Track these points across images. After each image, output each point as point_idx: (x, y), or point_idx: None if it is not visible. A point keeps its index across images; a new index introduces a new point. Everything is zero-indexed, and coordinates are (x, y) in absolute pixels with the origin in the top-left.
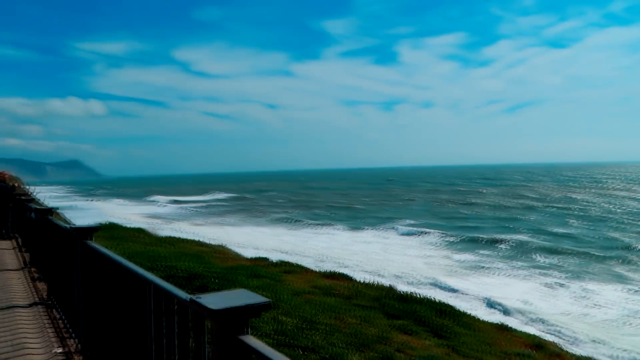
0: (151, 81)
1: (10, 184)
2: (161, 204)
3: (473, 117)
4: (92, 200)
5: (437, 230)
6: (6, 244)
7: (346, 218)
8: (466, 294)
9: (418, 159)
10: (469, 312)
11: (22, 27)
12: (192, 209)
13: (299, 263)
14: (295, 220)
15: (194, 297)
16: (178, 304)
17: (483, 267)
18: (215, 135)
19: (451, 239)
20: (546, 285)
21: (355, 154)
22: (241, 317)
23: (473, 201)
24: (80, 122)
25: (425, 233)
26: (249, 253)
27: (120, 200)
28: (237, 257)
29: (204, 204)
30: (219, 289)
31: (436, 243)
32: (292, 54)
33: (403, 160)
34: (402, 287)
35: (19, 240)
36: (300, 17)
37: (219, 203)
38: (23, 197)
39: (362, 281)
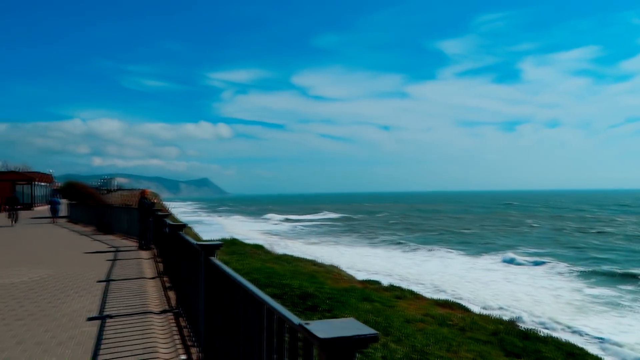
0: (273, 105)
1: (151, 200)
2: (276, 221)
3: (607, 137)
4: (216, 216)
5: (562, 261)
6: (146, 254)
7: (460, 243)
8: (600, 337)
9: (541, 182)
10: (603, 358)
11: (165, 62)
12: (306, 227)
13: (411, 288)
14: (406, 243)
15: (303, 322)
16: (289, 326)
17: (620, 304)
18: (329, 157)
19: (580, 271)
20: None
21: (472, 176)
22: (349, 348)
23: (606, 230)
24: (209, 144)
25: (549, 263)
26: (360, 275)
27: (241, 217)
28: (349, 278)
29: (317, 223)
30: (329, 310)
31: (563, 274)
32: (408, 76)
33: (524, 183)
34: (523, 322)
35: (156, 251)
36: (416, 38)
37: (330, 223)
38: (160, 213)
39: (478, 312)
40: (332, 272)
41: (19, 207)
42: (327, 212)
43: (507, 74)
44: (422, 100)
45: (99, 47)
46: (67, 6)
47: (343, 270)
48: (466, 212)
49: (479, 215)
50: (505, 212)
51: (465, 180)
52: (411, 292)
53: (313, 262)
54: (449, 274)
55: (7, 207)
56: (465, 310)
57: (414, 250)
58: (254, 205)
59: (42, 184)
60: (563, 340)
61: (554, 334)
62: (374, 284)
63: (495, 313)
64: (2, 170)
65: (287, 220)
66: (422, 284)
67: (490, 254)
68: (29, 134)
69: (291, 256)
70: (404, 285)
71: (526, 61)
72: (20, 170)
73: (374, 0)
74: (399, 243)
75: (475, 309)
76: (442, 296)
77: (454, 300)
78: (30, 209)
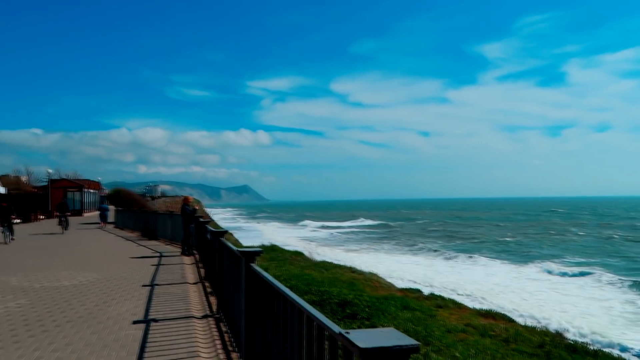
0: (311, 113)
1: (193, 206)
2: (314, 228)
3: None
4: (255, 222)
5: (612, 271)
6: (188, 259)
7: (502, 252)
8: None
9: (588, 188)
10: None
11: (208, 71)
12: (344, 234)
13: (452, 298)
14: (446, 251)
15: (343, 331)
16: (329, 334)
17: None
18: (368, 163)
19: (633, 281)
20: None
21: (515, 182)
22: (390, 358)
23: None
24: (249, 151)
25: (598, 273)
26: (399, 283)
27: (279, 224)
28: (388, 286)
29: (355, 230)
30: (368, 318)
31: (614, 284)
32: (448, 81)
33: (570, 189)
34: (571, 335)
35: (198, 256)
36: (456, 43)
37: (368, 229)
38: (202, 219)
39: (523, 323)
40: (371, 280)
41: (68, 213)
42: (364, 219)
43: (551, 77)
44: (463, 105)
45: (146, 59)
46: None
47: (382, 278)
48: (508, 219)
49: (522, 223)
50: (549, 220)
51: (507, 186)
52: (452, 302)
53: (351, 270)
54: (491, 283)
55: (57, 213)
56: (509, 320)
57: (454, 258)
58: (293, 211)
59: (92, 191)
60: (615, 355)
61: (605, 349)
62: (414, 292)
63: (540, 324)
64: (55, 178)
65: (324, 227)
66: (464, 293)
67: (534, 262)
68: (79, 143)
69: (330, 263)
70: (445, 294)
71: (571, 63)
72: (71, 178)
73: (411, 5)
74: (439, 250)
75: (520, 320)
76: (484, 306)
77: (497, 310)
78: (81, 215)
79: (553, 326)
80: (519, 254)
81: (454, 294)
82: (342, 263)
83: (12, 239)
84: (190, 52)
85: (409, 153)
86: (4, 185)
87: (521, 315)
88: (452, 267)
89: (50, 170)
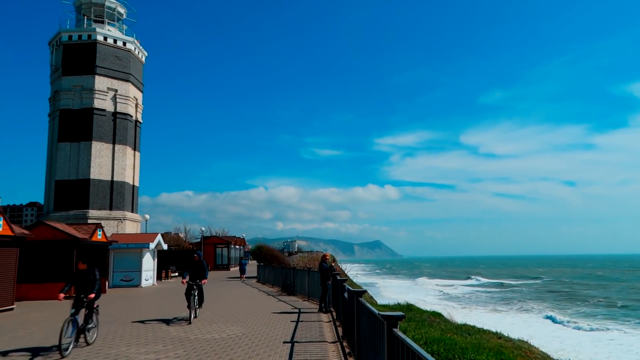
0: (441, 166)
1: (330, 263)
2: (453, 285)
3: None
4: (388, 278)
5: None
6: (326, 317)
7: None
8: None
9: None
10: None
11: (337, 131)
12: (485, 292)
13: None
14: (614, 318)
15: None
16: None
17: None
18: (506, 216)
19: None
20: None
21: None
22: None
23: None
24: (377, 206)
25: None
26: (555, 354)
27: (412, 280)
28: (542, 357)
29: (498, 289)
30: None
31: None
32: (592, 125)
33: None
34: None
35: (334, 314)
36: (599, 84)
37: (514, 288)
38: (339, 277)
39: None
40: (522, 349)
41: (204, 281)
42: (510, 278)
43: None
44: (612, 150)
45: (283, 125)
46: (258, 93)
47: (534, 347)
48: None
49: None
50: None
51: None
52: None
53: (498, 335)
54: None
55: (185, 280)
56: None
57: (616, 326)
58: (427, 268)
59: (237, 246)
60: None
61: None
62: None
63: None
64: (207, 235)
65: (466, 284)
66: None
67: None
68: (223, 202)
69: (472, 327)
70: None
71: None
72: (220, 235)
73: (541, 52)
74: (595, 315)
75: None
76: None
77: None
78: (228, 270)
79: None
80: None
81: None
82: (483, 326)
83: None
84: (321, 115)
85: (552, 204)
86: (166, 242)
87: None
88: (610, 339)
89: (202, 228)
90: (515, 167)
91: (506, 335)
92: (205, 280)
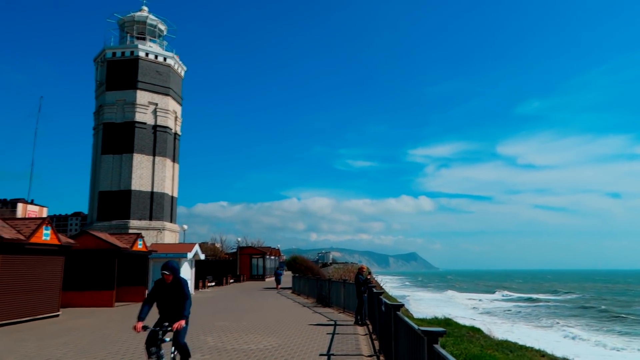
0: (477, 177)
1: (366, 276)
2: (494, 299)
3: None
4: (425, 291)
5: None
6: (362, 329)
7: None
8: None
9: None
10: None
11: (371, 143)
12: (528, 307)
13: None
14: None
15: None
16: None
17: None
18: (546, 229)
19: None
20: None
21: None
22: None
23: None
24: (411, 218)
25: None
26: None
27: (449, 293)
28: None
29: (541, 304)
30: None
31: None
32: (635, 135)
33: None
34: None
35: (370, 327)
36: None
37: (560, 303)
38: (375, 290)
39: None
40: None
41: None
42: (552, 293)
43: None
44: None
45: (317, 137)
46: (292, 105)
47: None
48: None
49: None
50: None
51: None
52: None
53: (541, 353)
54: None
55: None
56: None
57: None
58: (468, 281)
59: (272, 257)
60: None
61: None
62: None
63: None
64: (243, 245)
65: (506, 299)
66: None
67: None
68: (257, 212)
69: (514, 344)
70: None
71: None
72: (255, 246)
73: (579, 62)
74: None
75: None
76: None
77: None
78: (263, 280)
79: None
80: None
81: None
82: (525, 342)
83: None
84: (355, 127)
85: (596, 217)
86: (203, 252)
87: None
88: None
89: (238, 239)
90: (556, 179)
91: (550, 353)
92: (183, 322)
